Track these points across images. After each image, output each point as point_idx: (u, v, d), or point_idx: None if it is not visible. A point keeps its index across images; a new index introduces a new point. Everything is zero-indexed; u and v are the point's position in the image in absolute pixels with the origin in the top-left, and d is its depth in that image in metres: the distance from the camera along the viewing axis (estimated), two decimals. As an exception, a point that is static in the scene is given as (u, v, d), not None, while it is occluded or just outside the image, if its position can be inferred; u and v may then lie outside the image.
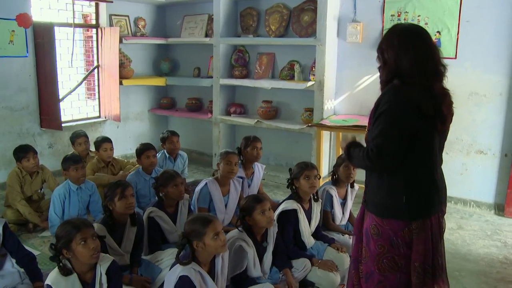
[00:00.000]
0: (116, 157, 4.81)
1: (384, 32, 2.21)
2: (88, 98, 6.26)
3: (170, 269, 2.40)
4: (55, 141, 5.54)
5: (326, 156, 5.35)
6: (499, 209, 4.54)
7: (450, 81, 2.16)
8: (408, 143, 1.97)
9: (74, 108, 5.94)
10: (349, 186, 3.76)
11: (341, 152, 5.02)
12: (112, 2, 5.73)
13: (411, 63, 2.01)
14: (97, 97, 6.03)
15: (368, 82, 5.13)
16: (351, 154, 2.20)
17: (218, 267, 2.46)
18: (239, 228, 2.85)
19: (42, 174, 4.26)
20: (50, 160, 5.30)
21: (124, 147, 6.19)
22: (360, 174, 4.92)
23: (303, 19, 5.43)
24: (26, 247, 2.92)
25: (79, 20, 5.57)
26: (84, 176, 3.87)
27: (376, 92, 5.68)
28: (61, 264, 2.30)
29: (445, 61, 2.08)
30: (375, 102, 2.10)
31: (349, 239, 3.50)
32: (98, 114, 6.07)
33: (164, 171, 3.37)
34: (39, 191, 4.28)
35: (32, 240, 3.85)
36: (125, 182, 3.04)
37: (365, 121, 4.69)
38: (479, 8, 4.36)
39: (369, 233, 2.12)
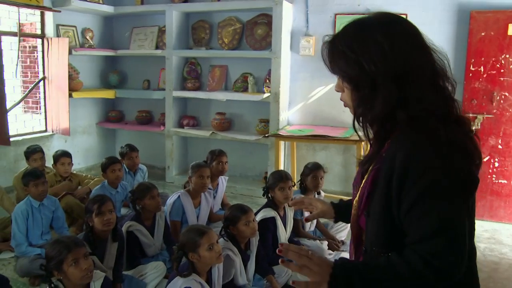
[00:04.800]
0: (75, 172, 4.64)
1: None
2: (27, 111, 5.94)
3: (168, 282, 2.39)
4: (-1, 156, 5.22)
5: (282, 165, 5.48)
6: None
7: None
8: None
9: (19, 122, 5.63)
10: (316, 194, 3.92)
11: (296, 164, 5.17)
12: (60, 11, 5.53)
13: (429, 72, 1.20)
14: (44, 110, 5.75)
15: (321, 93, 5.35)
16: (370, 284, 1.16)
17: (215, 277, 2.48)
18: (224, 238, 2.88)
19: (-5, 192, 4.03)
20: (-6, 177, 4.98)
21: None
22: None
23: (257, 32, 5.56)
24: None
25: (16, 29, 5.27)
26: (46, 192, 3.68)
27: (329, 102, 5.86)
28: (52, 285, 2.22)
29: None
30: (366, 160, 1.32)
31: (320, 244, 3.65)
32: (44, 128, 5.79)
33: (139, 184, 3.33)
34: (-8, 210, 4.04)
35: (-11, 263, 3.62)
36: (103, 197, 2.94)
37: (320, 131, 4.91)
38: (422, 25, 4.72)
39: None
